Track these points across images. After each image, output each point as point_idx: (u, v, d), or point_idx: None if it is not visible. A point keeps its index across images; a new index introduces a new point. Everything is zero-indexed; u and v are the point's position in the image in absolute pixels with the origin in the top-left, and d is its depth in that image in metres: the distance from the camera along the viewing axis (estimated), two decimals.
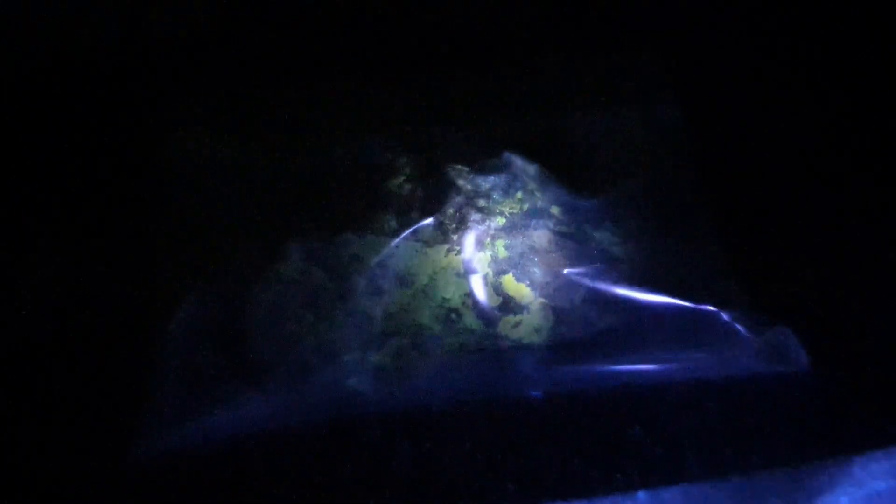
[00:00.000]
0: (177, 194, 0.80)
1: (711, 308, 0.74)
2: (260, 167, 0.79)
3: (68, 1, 0.81)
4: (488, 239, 0.74)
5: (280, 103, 0.85)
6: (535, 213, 0.75)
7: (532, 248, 0.74)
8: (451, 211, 0.74)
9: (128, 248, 0.81)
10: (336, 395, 0.72)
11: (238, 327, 0.73)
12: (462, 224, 0.74)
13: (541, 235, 0.74)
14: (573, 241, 0.75)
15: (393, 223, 0.74)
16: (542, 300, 0.73)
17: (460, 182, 0.75)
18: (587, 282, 0.73)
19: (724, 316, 0.74)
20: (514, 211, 0.75)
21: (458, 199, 0.74)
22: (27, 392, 0.74)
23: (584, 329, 0.73)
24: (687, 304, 0.74)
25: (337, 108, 0.83)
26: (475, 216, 0.74)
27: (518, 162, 0.77)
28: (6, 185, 0.85)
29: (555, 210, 0.76)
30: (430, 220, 0.74)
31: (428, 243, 0.73)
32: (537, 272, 0.73)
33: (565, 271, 0.73)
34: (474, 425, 0.73)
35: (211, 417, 0.71)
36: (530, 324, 0.73)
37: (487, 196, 0.75)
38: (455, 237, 0.73)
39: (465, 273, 0.73)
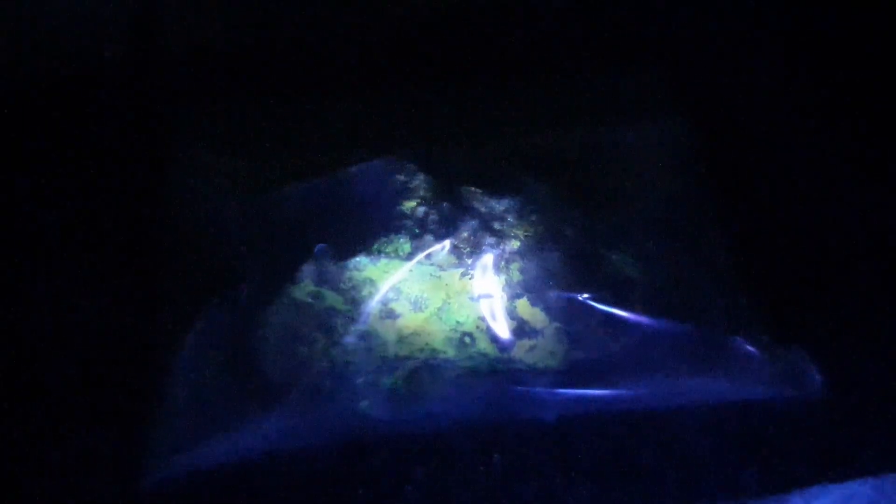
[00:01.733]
0: (186, 213, 0.79)
1: (726, 331, 0.74)
2: (271, 187, 0.79)
3: (76, 14, 0.80)
4: (503, 262, 0.73)
5: (292, 121, 0.84)
6: (550, 236, 0.74)
7: (547, 272, 0.73)
8: (465, 234, 0.74)
9: (136, 269, 0.80)
10: (348, 418, 0.72)
11: (249, 350, 0.73)
12: (476, 247, 0.73)
13: (555, 258, 0.74)
14: (588, 264, 0.74)
15: (407, 246, 0.73)
16: (556, 324, 0.72)
17: (475, 204, 0.75)
18: (602, 305, 0.73)
19: (739, 339, 0.74)
20: (529, 234, 0.74)
21: (473, 223, 0.74)
22: (34, 417, 0.74)
23: (599, 353, 0.73)
24: (702, 327, 0.74)
25: (349, 126, 0.83)
26: (489, 239, 0.74)
27: (532, 183, 0.77)
28: (10, 201, 0.84)
29: (569, 232, 0.75)
30: (444, 244, 0.73)
31: (442, 267, 0.73)
32: (552, 296, 0.72)
33: (580, 295, 0.72)
34: (487, 449, 0.72)
35: (222, 441, 0.70)
36: (545, 348, 0.72)
37: (502, 219, 0.75)
38: (469, 261, 0.73)
39: (479, 297, 0.72)
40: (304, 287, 0.73)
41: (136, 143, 0.86)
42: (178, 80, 0.87)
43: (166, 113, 0.85)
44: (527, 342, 0.72)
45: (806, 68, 0.92)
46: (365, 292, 0.72)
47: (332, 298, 0.72)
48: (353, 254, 0.73)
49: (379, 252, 0.73)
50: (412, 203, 0.75)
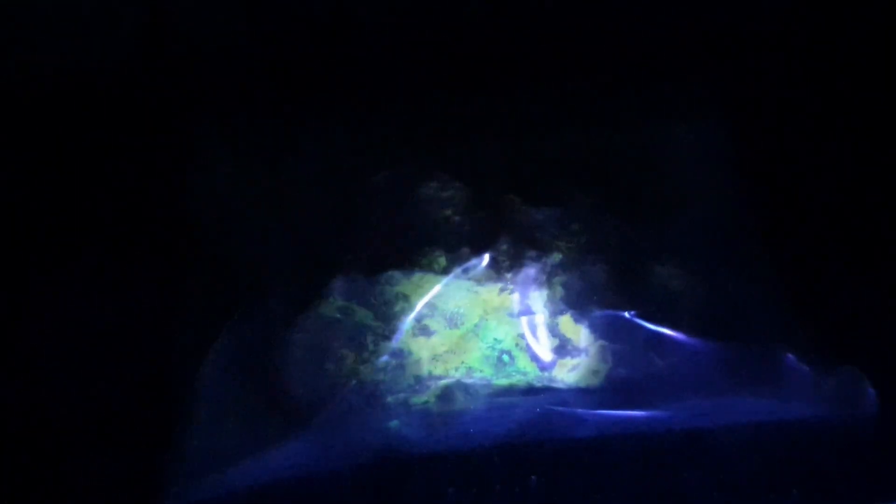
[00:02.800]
0: (207, 224, 0.76)
1: (776, 348, 0.71)
2: (297, 196, 0.76)
3: (91, 19, 0.77)
4: (544, 276, 0.70)
5: (320, 126, 0.81)
6: (593, 248, 0.72)
7: (590, 287, 0.70)
8: (504, 247, 0.71)
9: (155, 283, 0.77)
10: (378, 438, 0.69)
11: (274, 368, 0.70)
12: (516, 261, 0.70)
13: (599, 272, 0.71)
14: (633, 278, 0.71)
15: (442, 260, 0.70)
16: (601, 342, 0.70)
17: (514, 215, 0.72)
18: (648, 322, 0.70)
19: (790, 357, 0.71)
20: (571, 245, 0.72)
21: (512, 235, 0.71)
22: (49, 438, 0.71)
23: (645, 371, 0.70)
24: (750, 344, 0.71)
25: (380, 131, 0.80)
26: (530, 252, 0.71)
27: (574, 192, 0.74)
28: (24, 210, 0.81)
29: (614, 243, 0.73)
30: (482, 258, 0.70)
31: (479, 281, 0.70)
32: (596, 312, 0.70)
33: (626, 312, 0.70)
34: (524, 470, 0.69)
35: (245, 463, 0.67)
36: (588, 367, 0.69)
37: (542, 230, 0.72)
38: (509, 275, 0.70)
39: (519, 313, 0.70)
40: (333, 302, 0.70)
41: (156, 151, 0.83)
42: (200, 86, 0.84)
43: (187, 119, 0.82)
44: (569, 361, 0.69)
45: (863, 74, 0.89)
46: (397, 308, 0.69)
47: (362, 314, 0.70)
48: (385, 267, 0.70)
49: (412, 265, 0.70)
50: (447, 213, 0.73)
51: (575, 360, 0.69)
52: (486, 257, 0.70)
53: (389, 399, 0.69)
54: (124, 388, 0.73)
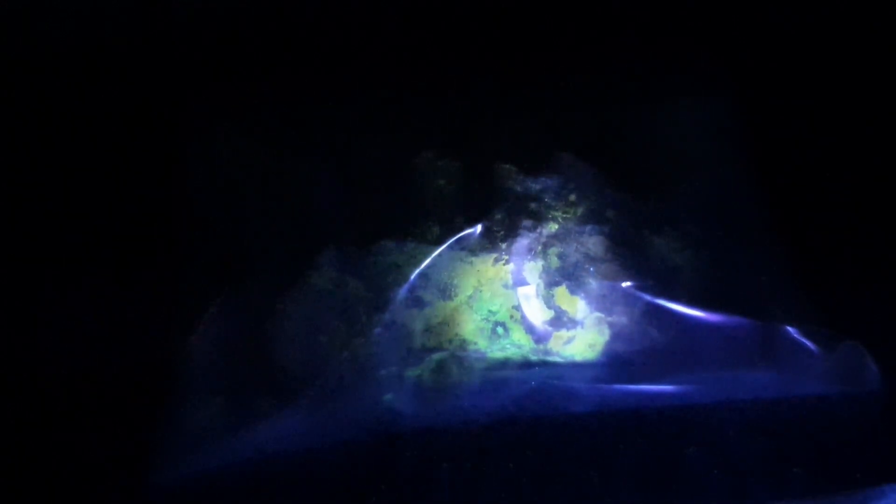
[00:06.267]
0: (202, 197, 0.75)
1: (778, 323, 0.70)
2: (290, 168, 0.75)
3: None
4: (540, 247, 0.70)
5: (313, 99, 0.80)
6: (590, 218, 0.71)
7: (587, 257, 0.69)
8: (499, 216, 0.70)
9: (150, 254, 0.76)
10: (371, 412, 0.68)
11: (267, 339, 0.69)
12: (511, 231, 0.70)
13: (596, 242, 0.70)
14: (631, 249, 0.70)
15: (436, 230, 0.70)
16: (597, 314, 0.69)
17: (509, 184, 0.71)
18: (646, 294, 0.69)
19: (792, 332, 0.70)
20: (568, 215, 0.71)
21: (507, 204, 0.71)
22: (43, 413, 0.71)
23: (642, 345, 0.69)
24: (751, 318, 0.70)
25: (372, 103, 0.79)
26: (525, 222, 0.70)
27: (570, 161, 0.73)
28: (20, 191, 0.81)
29: (610, 214, 0.72)
30: (476, 227, 0.70)
31: (474, 252, 0.69)
32: (593, 284, 0.69)
33: (623, 283, 0.69)
34: (519, 446, 0.68)
35: (237, 436, 0.67)
36: (584, 339, 0.69)
37: (538, 199, 0.71)
38: (503, 245, 0.70)
39: (514, 284, 0.69)
40: (326, 273, 0.69)
41: (151, 127, 0.82)
42: (194, 63, 0.83)
43: (182, 96, 0.81)
44: (564, 333, 0.69)
45: (863, 50, 0.87)
46: (390, 279, 0.69)
47: (354, 285, 0.69)
48: (378, 237, 0.70)
49: (406, 236, 0.70)
50: (441, 182, 0.72)
51: (570, 333, 0.69)
52: (480, 227, 0.70)
53: (382, 372, 0.68)
54: (117, 362, 0.72)
